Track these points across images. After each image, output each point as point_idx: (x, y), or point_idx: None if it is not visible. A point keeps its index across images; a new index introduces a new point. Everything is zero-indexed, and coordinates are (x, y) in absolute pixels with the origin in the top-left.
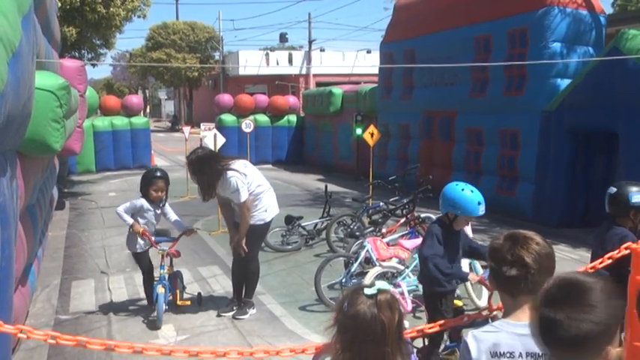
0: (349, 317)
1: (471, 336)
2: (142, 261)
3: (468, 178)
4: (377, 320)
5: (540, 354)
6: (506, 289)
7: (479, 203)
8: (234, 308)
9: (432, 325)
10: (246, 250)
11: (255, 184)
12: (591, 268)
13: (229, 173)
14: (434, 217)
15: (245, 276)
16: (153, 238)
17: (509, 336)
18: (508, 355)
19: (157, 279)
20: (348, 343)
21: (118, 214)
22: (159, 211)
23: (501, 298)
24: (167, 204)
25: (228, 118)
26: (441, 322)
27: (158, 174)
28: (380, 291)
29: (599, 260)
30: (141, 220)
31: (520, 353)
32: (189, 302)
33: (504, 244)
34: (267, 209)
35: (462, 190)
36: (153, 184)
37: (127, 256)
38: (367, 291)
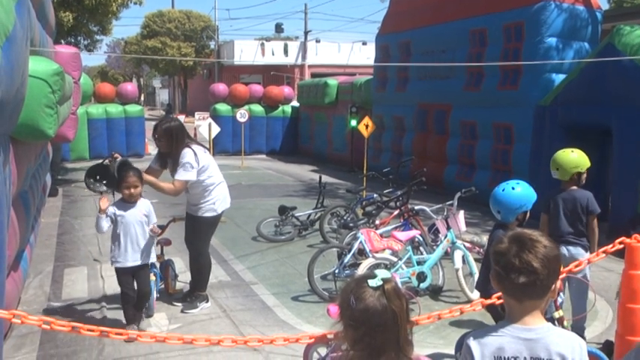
0: (359, 311)
1: (473, 340)
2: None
3: (461, 171)
4: (388, 311)
5: (545, 359)
6: (513, 294)
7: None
8: (187, 300)
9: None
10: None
11: (207, 174)
12: None
13: (187, 150)
14: (427, 209)
15: (196, 269)
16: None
17: (514, 340)
18: (512, 359)
19: None
20: (360, 336)
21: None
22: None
23: (506, 302)
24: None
25: (222, 108)
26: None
27: (129, 172)
28: (385, 280)
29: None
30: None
31: (525, 358)
32: (180, 291)
33: (510, 248)
34: (216, 202)
35: (513, 188)
36: (123, 180)
37: None
38: (372, 282)
